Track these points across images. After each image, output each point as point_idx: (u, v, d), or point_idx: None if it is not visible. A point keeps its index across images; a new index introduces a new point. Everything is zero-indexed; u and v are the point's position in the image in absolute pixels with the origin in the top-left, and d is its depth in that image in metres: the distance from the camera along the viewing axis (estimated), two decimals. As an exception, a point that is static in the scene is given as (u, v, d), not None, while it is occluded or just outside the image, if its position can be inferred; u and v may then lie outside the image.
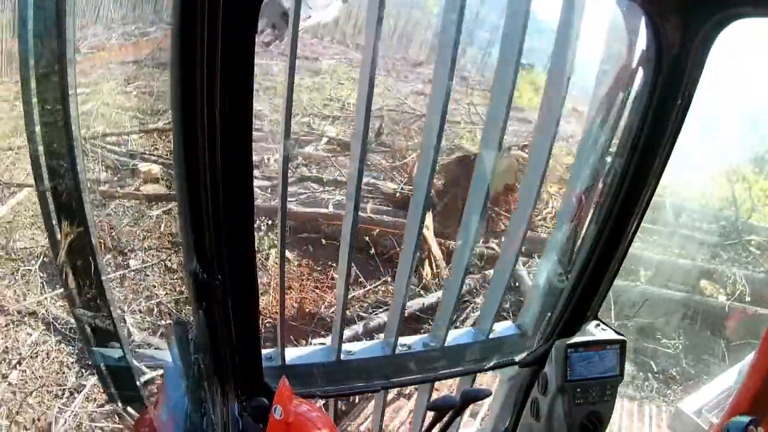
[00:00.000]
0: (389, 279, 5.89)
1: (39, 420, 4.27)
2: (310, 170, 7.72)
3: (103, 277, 1.25)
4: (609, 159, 1.60)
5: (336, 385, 1.72)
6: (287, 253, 6.01)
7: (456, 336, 1.91)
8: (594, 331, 1.85)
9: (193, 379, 1.29)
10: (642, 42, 1.41)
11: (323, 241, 6.25)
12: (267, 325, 5.01)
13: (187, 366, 1.29)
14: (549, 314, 1.89)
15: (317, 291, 5.84)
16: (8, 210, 6.45)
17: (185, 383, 1.29)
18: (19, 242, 6.01)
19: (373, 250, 6.05)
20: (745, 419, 1.52)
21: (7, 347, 4.84)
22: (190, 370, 1.29)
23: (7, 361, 4.69)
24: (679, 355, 5.76)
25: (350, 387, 1.78)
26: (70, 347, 4.88)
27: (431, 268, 5.94)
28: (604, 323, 1.88)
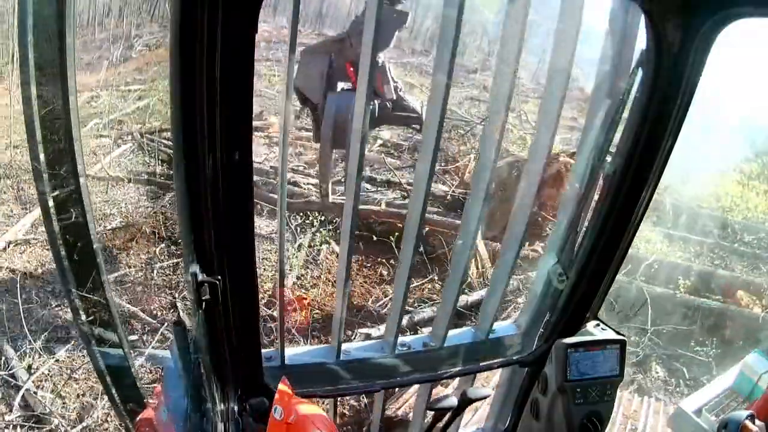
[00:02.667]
0: (435, 277, 6.09)
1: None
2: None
3: (103, 277, 1.25)
4: (609, 159, 1.60)
5: (336, 385, 1.72)
6: (335, 247, 6.35)
7: (456, 336, 1.91)
8: (594, 331, 1.85)
9: (193, 379, 1.29)
10: (642, 42, 1.41)
11: (374, 237, 6.41)
12: (317, 317, 5.42)
13: (187, 366, 1.29)
14: (549, 314, 1.89)
15: (365, 285, 6.10)
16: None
17: (185, 383, 1.29)
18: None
19: (422, 249, 6.18)
20: (744, 413, 1.51)
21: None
22: (190, 370, 1.29)
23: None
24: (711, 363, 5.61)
25: (350, 387, 1.77)
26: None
27: (477, 267, 6.05)
28: (604, 323, 1.88)
